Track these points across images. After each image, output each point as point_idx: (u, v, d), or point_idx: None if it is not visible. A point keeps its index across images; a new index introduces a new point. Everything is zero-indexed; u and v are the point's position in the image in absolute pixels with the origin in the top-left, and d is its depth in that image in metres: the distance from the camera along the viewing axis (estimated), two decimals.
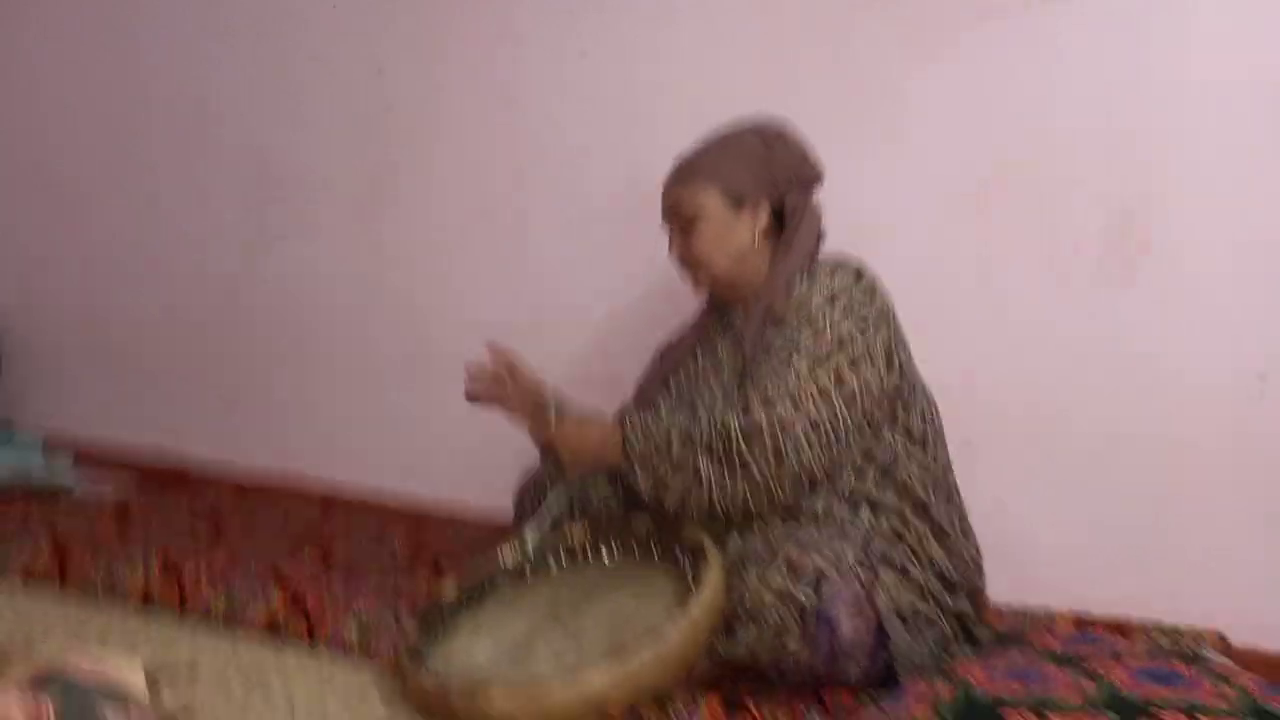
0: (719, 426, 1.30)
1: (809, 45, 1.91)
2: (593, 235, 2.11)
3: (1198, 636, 1.61)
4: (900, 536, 1.36)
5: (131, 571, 1.54)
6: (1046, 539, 1.75)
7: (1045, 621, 1.68)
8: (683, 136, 1.95)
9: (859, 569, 1.23)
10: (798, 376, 1.31)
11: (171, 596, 1.47)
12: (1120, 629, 1.65)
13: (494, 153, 2.19)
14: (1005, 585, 1.67)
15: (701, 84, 2.00)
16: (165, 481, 2.38)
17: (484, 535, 1.98)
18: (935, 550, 1.37)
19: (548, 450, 1.49)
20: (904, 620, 1.27)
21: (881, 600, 1.24)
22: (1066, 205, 1.74)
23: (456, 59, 2.22)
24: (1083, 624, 1.67)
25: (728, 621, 1.25)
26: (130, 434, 2.60)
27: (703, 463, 1.30)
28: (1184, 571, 1.69)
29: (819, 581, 1.20)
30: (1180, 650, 1.26)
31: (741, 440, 1.28)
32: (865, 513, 1.37)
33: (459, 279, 2.24)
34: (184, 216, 2.55)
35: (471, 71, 2.20)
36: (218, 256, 2.50)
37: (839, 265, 1.42)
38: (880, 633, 1.24)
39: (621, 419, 1.38)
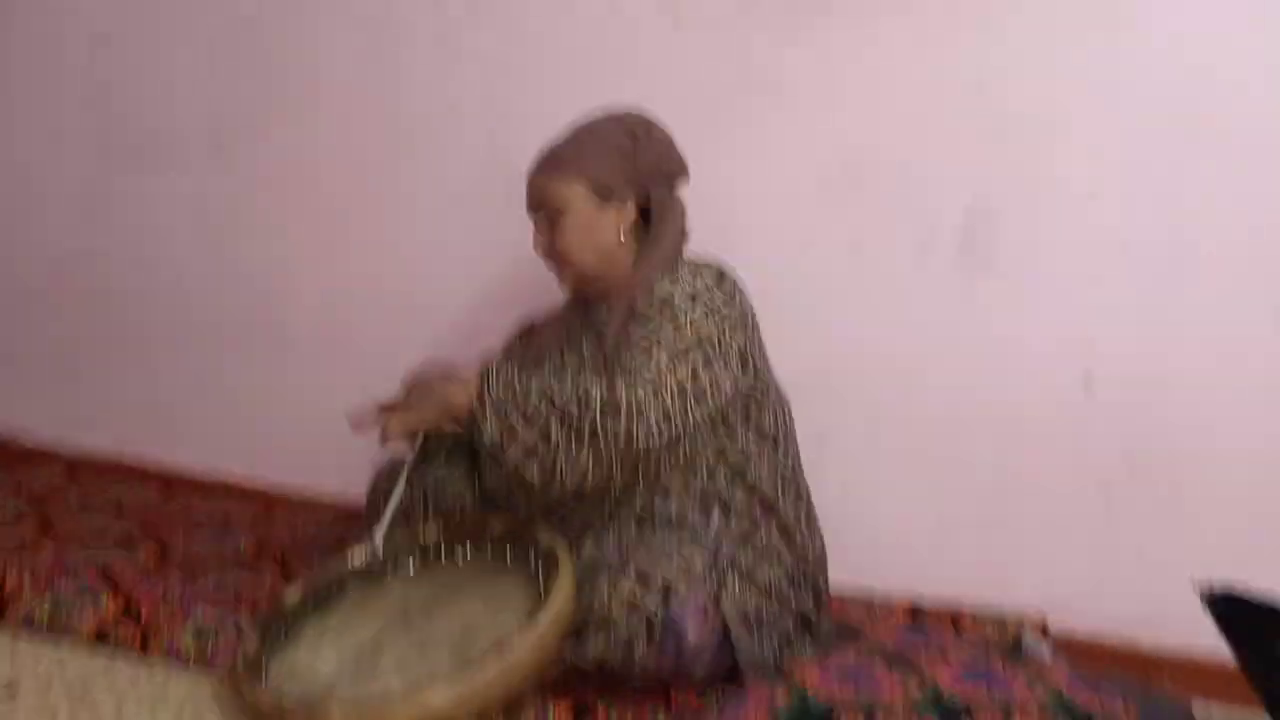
0: (580, 392, 1.29)
1: (677, 31, 1.91)
2: (457, 212, 2.06)
3: (1021, 623, 1.71)
4: (748, 538, 1.39)
5: None
6: (889, 526, 1.83)
7: (883, 610, 1.77)
8: (549, 118, 1.95)
9: (706, 577, 1.25)
10: (657, 367, 1.32)
11: None
12: (952, 618, 1.75)
13: (363, 108, 2.11)
14: (848, 571, 1.75)
15: (569, 68, 1.97)
16: None
17: (335, 523, 1.94)
18: (782, 550, 1.42)
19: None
20: (748, 623, 1.31)
21: (727, 606, 1.27)
22: (934, 194, 1.80)
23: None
24: (917, 611, 1.77)
25: (577, 628, 1.26)
26: None
27: (554, 424, 1.29)
28: (1015, 556, 1.80)
29: (667, 592, 1.22)
30: (1002, 643, 1.34)
31: (599, 412, 1.28)
32: (716, 515, 1.40)
33: (315, 248, 2.16)
34: (15, 173, 2.36)
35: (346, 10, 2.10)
36: (53, 218, 2.33)
37: (702, 265, 1.44)
38: (725, 636, 1.28)
39: (483, 363, 1.36)
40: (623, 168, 1.44)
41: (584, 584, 1.27)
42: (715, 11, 1.91)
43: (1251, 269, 1.70)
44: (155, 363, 2.25)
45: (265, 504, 2.05)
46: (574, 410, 1.28)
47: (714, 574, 1.28)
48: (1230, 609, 1.40)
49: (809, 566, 1.46)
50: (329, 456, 2.13)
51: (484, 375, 1.33)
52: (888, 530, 1.82)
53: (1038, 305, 1.79)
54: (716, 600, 1.26)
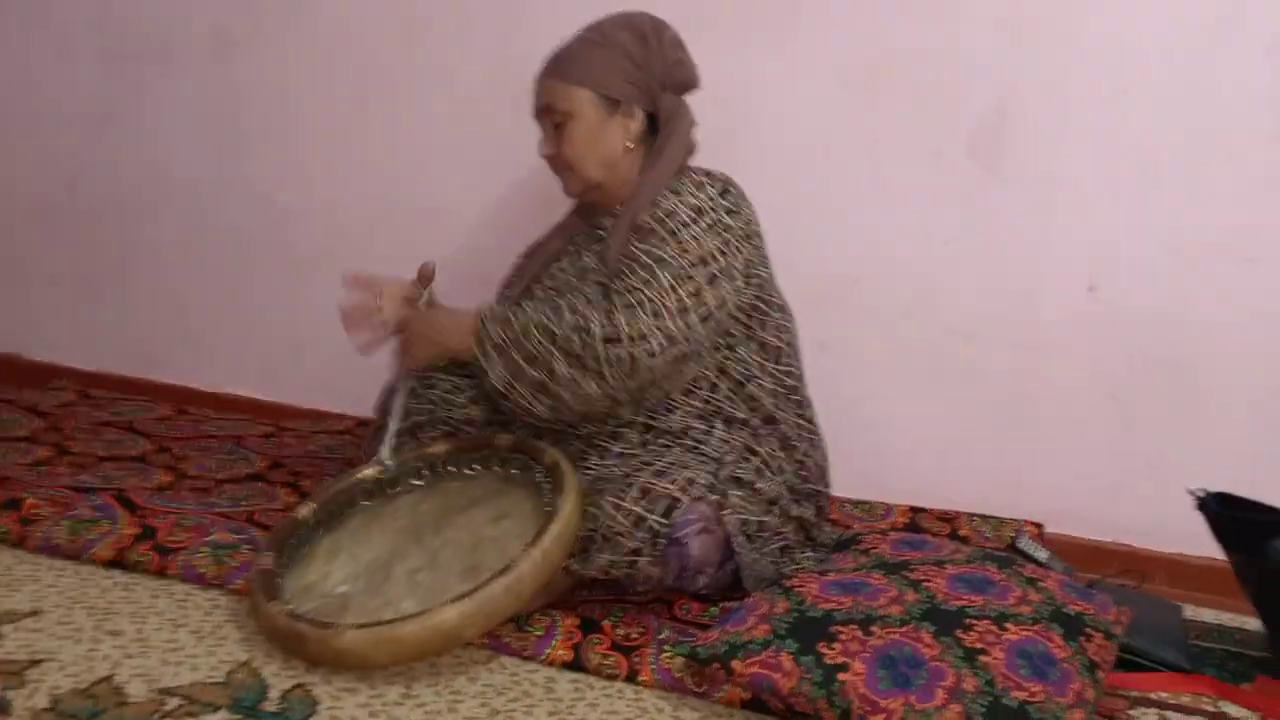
0: (580, 326, 1.30)
1: None
2: (467, 121, 2.03)
3: (1018, 527, 1.75)
4: (752, 451, 1.42)
5: None
6: (898, 434, 1.85)
7: (883, 513, 1.81)
8: (562, 21, 1.90)
9: (709, 492, 1.28)
10: (659, 289, 1.32)
11: (11, 528, 1.42)
12: (949, 520, 1.78)
13: (369, 11, 2.04)
14: (854, 479, 1.78)
15: None
16: (3, 381, 2.26)
17: (346, 439, 1.97)
18: (783, 462, 1.44)
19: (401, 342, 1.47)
20: (749, 535, 1.34)
21: (729, 519, 1.30)
22: (952, 97, 1.77)
23: None
24: (916, 514, 1.80)
25: (584, 543, 1.29)
26: None
27: (559, 359, 1.30)
28: (1025, 464, 1.82)
29: (671, 507, 1.25)
30: (995, 556, 1.37)
31: (600, 343, 1.30)
32: (719, 429, 1.41)
33: (322, 157, 2.13)
34: (12, 84, 2.32)
35: None
36: (63, 130, 2.29)
37: (707, 178, 1.42)
38: (728, 547, 1.31)
39: (480, 308, 1.37)
40: (632, 75, 1.42)
41: (589, 499, 1.29)
42: None
43: (1270, 173, 1.67)
44: (168, 278, 2.25)
45: (277, 420, 2.08)
46: (576, 342, 1.28)
47: (716, 487, 1.30)
48: (1222, 511, 1.43)
49: (810, 476, 1.49)
50: (341, 373, 2.14)
51: (480, 318, 1.33)
52: (897, 439, 1.85)
53: (1053, 211, 1.78)
54: (718, 516, 1.29)
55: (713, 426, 1.42)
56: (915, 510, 1.81)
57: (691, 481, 1.27)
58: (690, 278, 1.33)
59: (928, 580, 1.28)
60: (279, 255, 2.17)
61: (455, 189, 2.04)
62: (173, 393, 2.22)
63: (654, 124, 1.47)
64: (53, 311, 2.32)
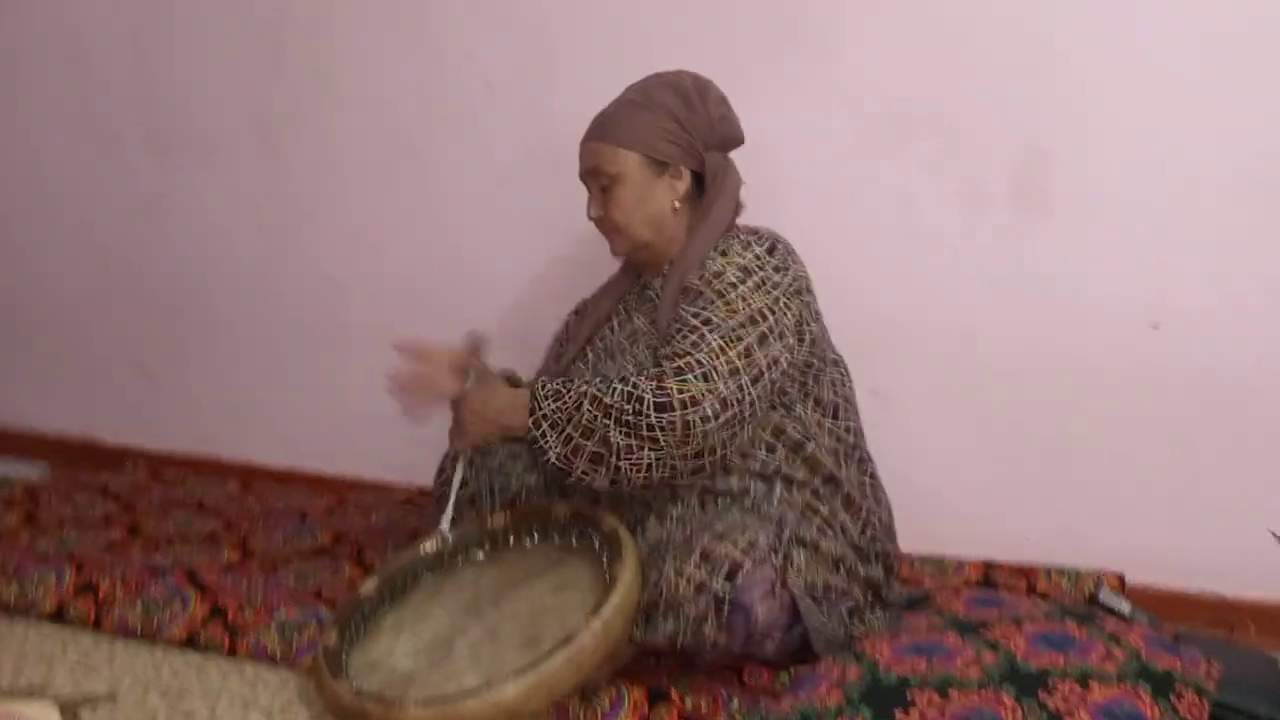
0: (632, 395, 1.29)
1: None
2: (506, 187, 2.07)
3: (1098, 578, 1.69)
4: (814, 511, 1.39)
5: (44, 586, 1.51)
6: (953, 486, 1.80)
7: (955, 569, 1.76)
8: (589, 83, 1.93)
9: (772, 555, 1.26)
10: (709, 352, 1.30)
11: (88, 611, 1.44)
12: (1025, 573, 1.73)
13: (401, 88, 2.11)
14: (915, 535, 1.73)
15: (601, 29, 1.94)
16: (75, 465, 2.32)
17: (407, 510, 1.98)
18: (847, 521, 1.41)
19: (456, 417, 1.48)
20: (816, 597, 1.31)
21: (794, 582, 1.28)
22: (984, 139, 1.76)
23: None
24: (990, 568, 1.75)
25: (647, 611, 1.27)
26: (36, 416, 2.51)
27: (613, 430, 1.29)
28: (1086, 510, 1.77)
29: (734, 571, 1.23)
30: (1075, 611, 1.33)
31: (652, 411, 1.28)
32: (779, 489, 1.39)
33: (367, 235, 2.17)
34: (69, 181, 2.42)
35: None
36: (114, 222, 2.38)
37: (754, 237, 1.42)
38: (794, 610, 1.28)
39: (533, 383, 1.38)
40: (677, 135, 1.43)
41: (650, 565, 1.28)
42: None
43: None
44: (224, 359, 2.31)
45: (339, 494, 2.10)
46: (628, 411, 1.28)
47: (779, 549, 1.28)
48: None
49: (876, 534, 1.45)
50: (397, 444, 2.17)
51: (534, 395, 1.33)
52: (953, 491, 1.80)
53: (1097, 247, 1.74)
54: (783, 576, 1.26)
55: (772, 487, 1.40)
56: (989, 565, 1.76)
57: (753, 544, 1.25)
58: (739, 339, 1.32)
59: (1006, 640, 1.24)
60: (331, 330, 2.21)
61: (498, 253, 2.07)
62: (238, 470, 2.26)
63: (701, 182, 1.47)
64: (120, 395, 2.40)
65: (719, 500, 1.40)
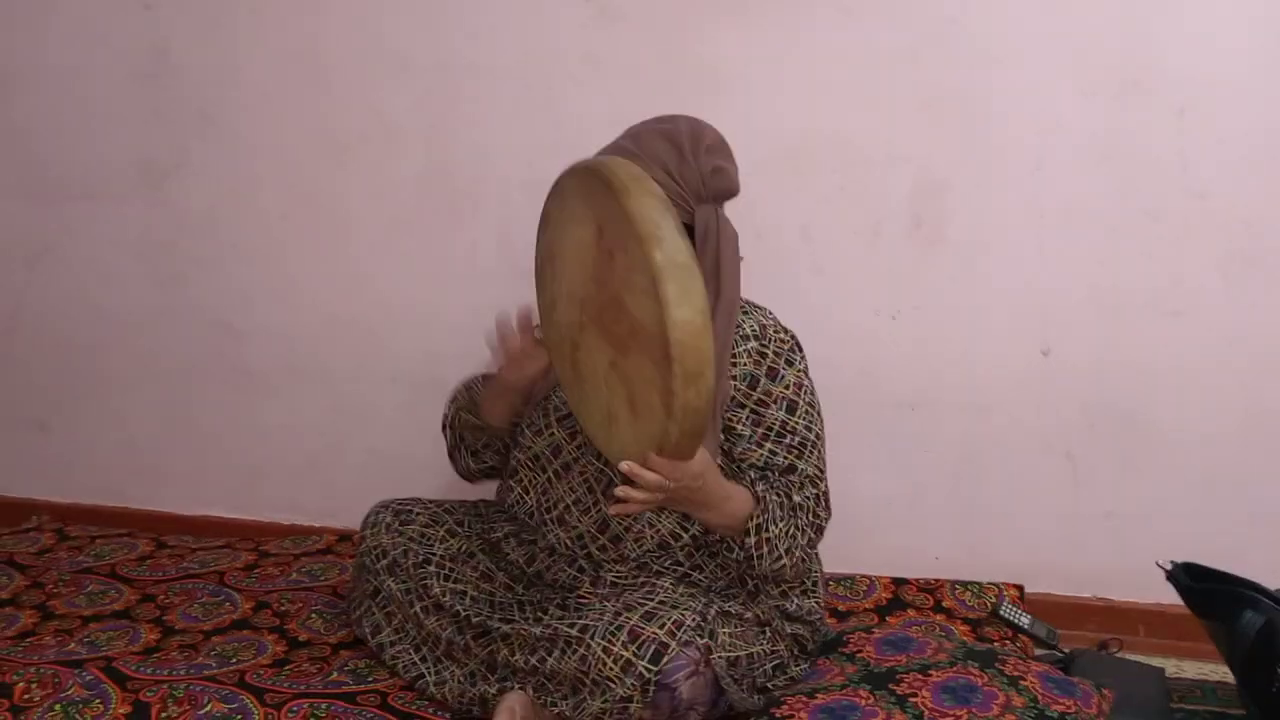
0: (816, 510, 1.42)
1: (605, 27, 1.87)
2: (410, 228, 2.04)
3: (999, 592, 1.79)
4: (742, 581, 1.44)
5: None
6: (864, 506, 1.87)
7: (866, 588, 1.83)
8: (488, 134, 1.90)
9: (697, 635, 1.30)
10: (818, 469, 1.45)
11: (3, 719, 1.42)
12: (931, 591, 1.82)
13: (295, 131, 2.05)
14: (828, 556, 1.80)
15: (498, 72, 1.93)
16: None
17: (328, 564, 1.97)
18: (773, 587, 1.47)
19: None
20: (739, 669, 1.36)
21: (717, 661, 1.32)
22: (880, 172, 1.81)
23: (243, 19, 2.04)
24: (898, 586, 1.83)
25: (574, 686, 1.31)
26: None
27: (800, 538, 1.39)
28: (987, 526, 1.86)
29: (659, 653, 1.27)
30: (977, 653, 1.40)
31: (824, 521, 1.44)
32: (709, 563, 1.44)
33: (264, 277, 2.12)
34: None
35: (261, 30, 2.03)
36: None
37: (790, 343, 1.46)
38: (718, 685, 1.33)
39: (758, 499, 1.37)
40: (666, 186, 1.31)
41: (578, 642, 1.31)
42: (640, 3, 1.85)
43: (1200, 224, 1.71)
44: (124, 410, 2.24)
45: (255, 542, 2.08)
46: (810, 527, 1.42)
47: (704, 628, 1.32)
48: (1192, 581, 1.47)
49: (806, 588, 1.51)
50: (311, 490, 2.16)
51: (758, 505, 1.36)
52: (863, 513, 1.86)
53: (992, 276, 1.81)
54: (707, 655, 1.31)
55: (711, 554, 1.45)
56: (897, 583, 1.84)
57: (680, 624, 1.29)
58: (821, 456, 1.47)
59: (914, 695, 1.31)
60: (234, 376, 2.17)
61: (405, 293, 2.05)
62: (146, 519, 2.21)
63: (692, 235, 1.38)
64: (18, 449, 2.31)
65: (656, 565, 1.44)
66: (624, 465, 1.23)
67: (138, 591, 1.85)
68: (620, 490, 1.25)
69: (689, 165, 1.36)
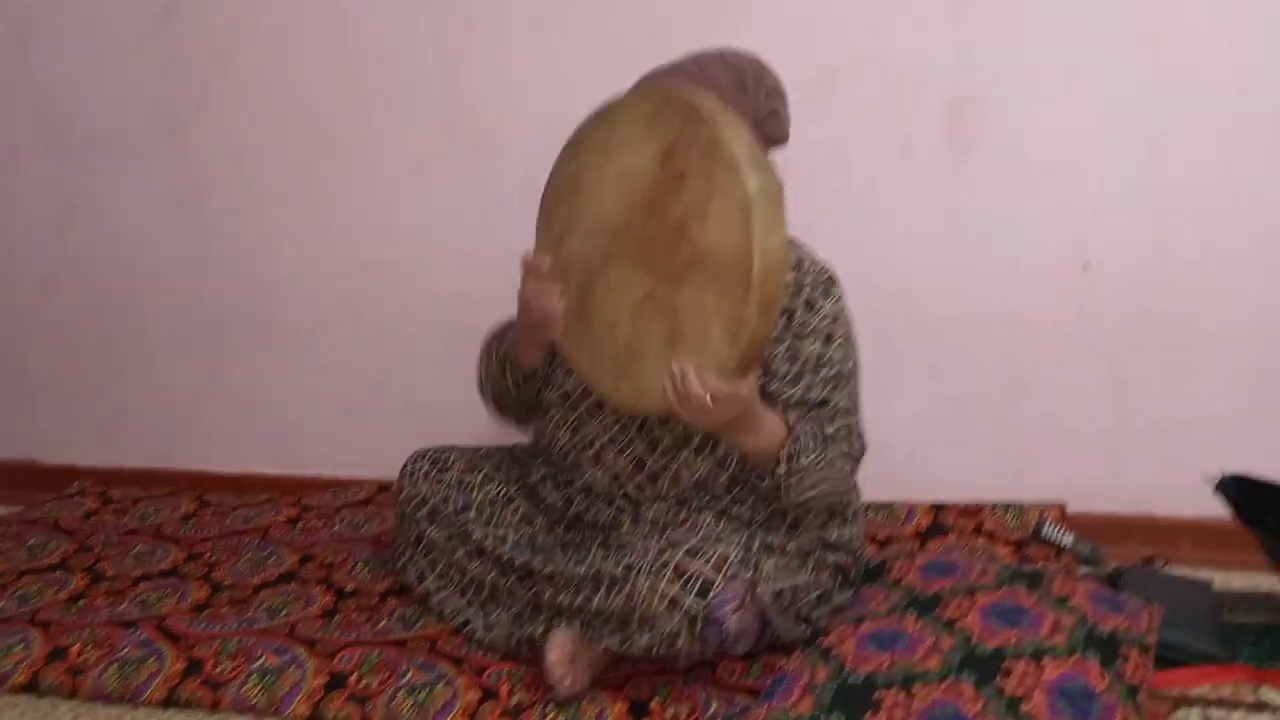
0: (850, 440, 1.39)
1: None
2: (432, 169, 2.01)
3: (1041, 513, 1.77)
4: (783, 513, 1.43)
5: (12, 657, 1.50)
6: (903, 432, 1.84)
7: (905, 515, 1.83)
8: (509, 69, 1.86)
9: (742, 569, 1.29)
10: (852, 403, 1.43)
11: (63, 680, 1.45)
12: (972, 514, 1.81)
13: (313, 71, 2.02)
14: (867, 481, 1.78)
15: (520, 7, 1.89)
16: (20, 487, 2.28)
17: (370, 514, 1.99)
18: (814, 518, 1.46)
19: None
20: (783, 602, 1.36)
21: (763, 592, 1.32)
22: (910, 89, 1.76)
23: None
24: (938, 512, 1.82)
25: (621, 623, 1.32)
26: None
27: (831, 470, 1.36)
28: (1028, 447, 1.84)
29: (706, 588, 1.27)
30: (1023, 573, 1.40)
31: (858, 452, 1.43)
32: (750, 495, 1.43)
33: (291, 227, 2.11)
34: None
35: None
36: (23, 233, 2.26)
37: (824, 276, 1.43)
38: (764, 617, 1.34)
39: (790, 428, 1.33)
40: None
41: (624, 583, 1.31)
42: None
43: (1238, 129, 1.66)
44: (159, 369, 2.25)
45: (297, 497, 2.10)
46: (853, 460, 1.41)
47: (749, 561, 1.32)
48: (1241, 492, 1.45)
49: (846, 518, 1.50)
50: (350, 440, 2.17)
51: (794, 435, 1.33)
52: (902, 439, 1.83)
53: (1029, 189, 1.77)
54: (753, 588, 1.31)
55: (750, 489, 1.43)
56: (937, 508, 1.83)
57: (725, 559, 1.29)
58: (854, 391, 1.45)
59: (961, 618, 1.30)
60: (265, 330, 2.17)
61: (431, 238, 2.04)
62: (189, 479, 2.23)
63: None
64: (54, 414, 2.33)
65: (691, 509, 1.43)
66: (677, 366, 1.20)
67: (184, 550, 1.88)
68: (678, 367, 1.20)
69: (749, 101, 1.34)
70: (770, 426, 1.32)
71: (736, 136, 1.16)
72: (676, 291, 1.21)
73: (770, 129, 1.39)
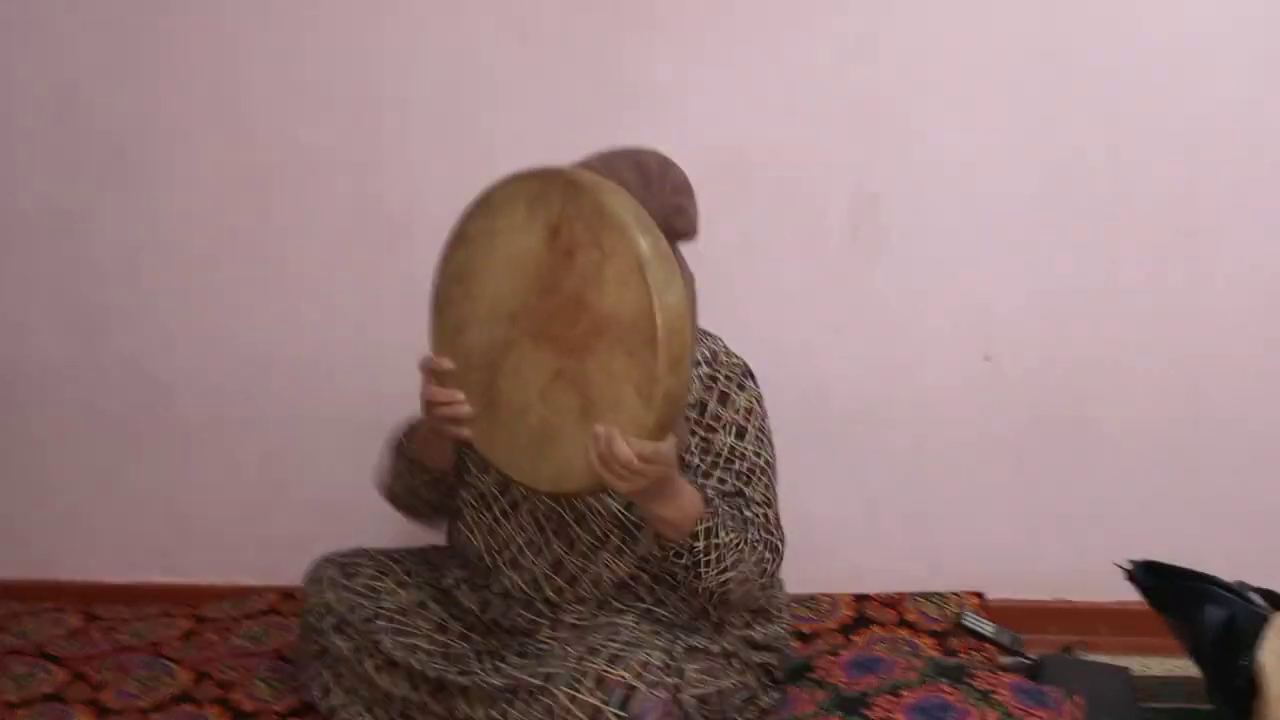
0: (768, 527, 1.37)
1: (566, 47, 1.84)
2: (340, 265, 1.97)
3: (961, 601, 1.77)
4: (705, 613, 1.40)
5: None
6: (822, 523, 1.84)
7: (829, 608, 1.81)
8: (416, 165, 1.84)
9: (665, 675, 1.25)
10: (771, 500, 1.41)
11: None
12: (894, 605, 1.80)
13: (214, 168, 1.97)
14: (789, 573, 1.77)
15: (447, 81, 1.88)
16: None
17: (269, 625, 1.89)
18: (738, 617, 1.43)
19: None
20: (708, 706, 1.32)
21: (687, 699, 1.28)
22: (816, 184, 1.80)
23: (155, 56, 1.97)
24: (861, 603, 1.81)
25: None
26: None
27: (750, 555, 1.32)
28: (944, 534, 1.85)
29: (627, 698, 1.22)
30: (946, 667, 1.38)
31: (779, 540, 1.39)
32: (672, 596, 1.40)
33: (191, 323, 2.03)
34: None
35: (174, 67, 1.96)
36: None
37: (739, 367, 1.43)
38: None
39: (708, 501, 1.30)
40: None
41: (543, 695, 1.25)
42: (563, 25, 1.83)
43: (1129, 215, 1.74)
44: (44, 473, 2.12)
45: (193, 607, 1.98)
46: (770, 562, 1.37)
47: (672, 667, 1.27)
48: (1153, 579, 1.47)
49: (770, 622, 1.47)
50: (248, 545, 2.07)
51: (711, 512, 1.29)
52: (821, 531, 1.83)
53: (933, 283, 1.81)
54: (676, 694, 1.26)
55: (671, 587, 1.40)
56: (860, 599, 1.82)
57: (646, 665, 1.24)
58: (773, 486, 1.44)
59: (888, 718, 1.28)
60: (161, 431, 2.07)
61: (330, 337, 1.99)
62: (77, 591, 2.09)
63: None
64: None
65: (617, 603, 1.40)
66: (600, 429, 1.16)
67: (68, 671, 1.74)
68: (601, 430, 1.17)
69: (654, 196, 1.33)
70: (689, 497, 1.28)
71: (620, 201, 1.17)
72: (584, 363, 1.19)
73: (677, 224, 1.38)
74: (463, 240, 1.30)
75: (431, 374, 1.32)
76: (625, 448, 1.16)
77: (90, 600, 2.05)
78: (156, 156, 1.99)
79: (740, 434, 1.39)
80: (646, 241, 1.14)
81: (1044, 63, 1.70)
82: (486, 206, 1.28)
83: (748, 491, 1.38)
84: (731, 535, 1.30)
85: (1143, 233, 1.72)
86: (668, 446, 1.19)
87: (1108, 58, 1.68)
